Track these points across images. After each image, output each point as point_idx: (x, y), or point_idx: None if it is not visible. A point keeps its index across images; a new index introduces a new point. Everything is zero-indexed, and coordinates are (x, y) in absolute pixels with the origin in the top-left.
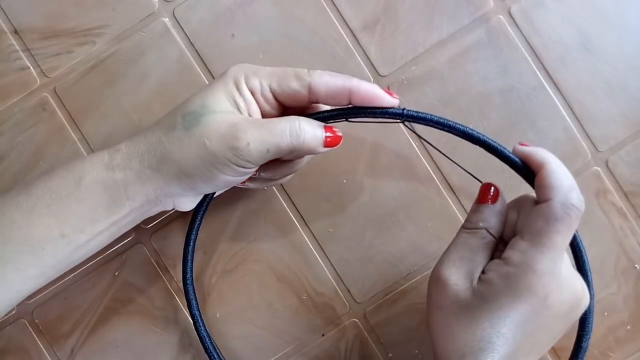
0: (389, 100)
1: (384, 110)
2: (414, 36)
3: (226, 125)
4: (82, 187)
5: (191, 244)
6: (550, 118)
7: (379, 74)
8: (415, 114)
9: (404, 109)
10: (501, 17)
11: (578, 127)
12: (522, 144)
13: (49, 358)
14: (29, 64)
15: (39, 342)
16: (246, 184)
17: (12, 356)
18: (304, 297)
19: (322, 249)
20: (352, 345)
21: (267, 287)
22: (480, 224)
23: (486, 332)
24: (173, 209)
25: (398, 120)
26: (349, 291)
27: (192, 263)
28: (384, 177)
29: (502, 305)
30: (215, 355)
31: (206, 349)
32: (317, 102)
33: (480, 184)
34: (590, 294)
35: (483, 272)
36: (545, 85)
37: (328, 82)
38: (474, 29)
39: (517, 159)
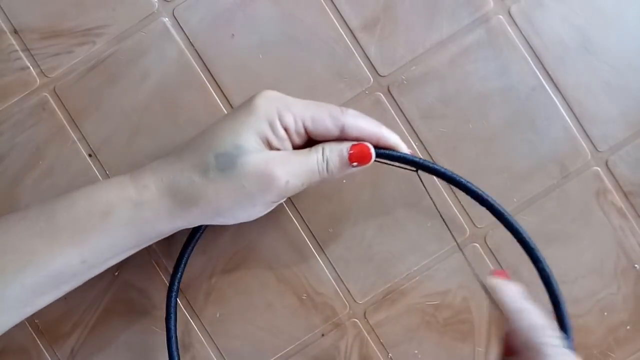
0: (406, 151)
1: (406, 157)
2: (414, 36)
3: (263, 166)
4: (108, 223)
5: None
6: (550, 118)
7: (378, 74)
8: (430, 166)
9: (421, 159)
10: (501, 17)
11: (578, 127)
12: (496, 273)
13: (49, 358)
14: (29, 64)
15: (39, 342)
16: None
17: (12, 356)
18: (304, 297)
19: (322, 249)
20: (352, 345)
21: (267, 287)
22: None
23: None
24: None
25: (414, 169)
26: (349, 291)
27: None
28: (384, 177)
29: None
30: None
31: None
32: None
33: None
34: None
35: None
36: (545, 85)
37: (361, 127)
38: (474, 29)
39: (522, 231)
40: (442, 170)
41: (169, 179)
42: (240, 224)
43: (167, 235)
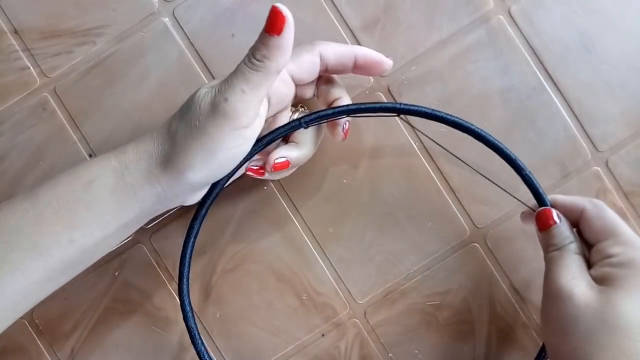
0: (387, 61)
1: (382, 105)
2: (414, 36)
3: (209, 100)
4: (91, 193)
5: (190, 244)
6: (550, 118)
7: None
8: (410, 107)
9: (400, 104)
10: (501, 17)
11: (578, 127)
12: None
13: (49, 358)
14: (29, 64)
15: (39, 342)
16: (265, 175)
17: (12, 356)
18: (304, 297)
19: (322, 249)
20: (352, 345)
21: (267, 287)
22: (565, 240)
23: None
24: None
25: (394, 115)
26: (349, 291)
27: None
28: (384, 177)
29: (634, 286)
30: None
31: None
32: (326, 72)
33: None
34: None
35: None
36: (545, 85)
37: (335, 49)
38: (474, 29)
39: (507, 150)
40: (423, 109)
41: (145, 142)
42: (241, 223)
43: (152, 212)
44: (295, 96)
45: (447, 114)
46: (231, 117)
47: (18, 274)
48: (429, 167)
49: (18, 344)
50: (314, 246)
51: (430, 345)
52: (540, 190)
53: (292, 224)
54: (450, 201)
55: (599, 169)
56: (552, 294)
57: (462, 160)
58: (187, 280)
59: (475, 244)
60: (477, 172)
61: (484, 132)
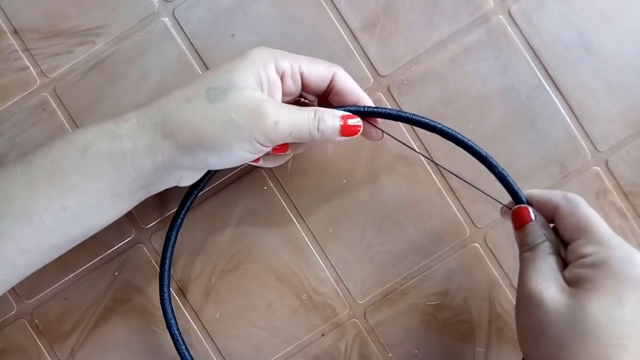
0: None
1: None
2: (414, 36)
3: (254, 102)
4: (86, 158)
5: (169, 248)
6: (550, 118)
7: (379, 74)
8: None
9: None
10: (501, 17)
11: (578, 127)
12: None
13: (49, 358)
14: (29, 64)
15: (39, 342)
16: (260, 162)
17: (12, 356)
18: (304, 297)
19: (322, 249)
20: (352, 345)
21: (267, 287)
22: (538, 239)
23: (603, 320)
24: (175, 185)
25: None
26: (349, 291)
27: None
28: (384, 178)
29: (608, 290)
30: None
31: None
32: (329, 95)
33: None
34: None
35: (566, 278)
36: (545, 85)
37: (347, 81)
38: (474, 29)
39: (478, 148)
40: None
41: (153, 110)
42: (241, 223)
43: (147, 185)
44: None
45: (411, 114)
46: (272, 135)
47: (7, 242)
48: (429, 167)
49: (18, 344)
50: (314, 246)
51: (430, 345)
52: (515, 187)
53: (292, 224)
54: (450, 201)
55: (599, 169)
56: (523, 298)
57: (442, 167)
58: (169, 289)
59: (475, 244)
60: (455, 175)
61: (452, 130)
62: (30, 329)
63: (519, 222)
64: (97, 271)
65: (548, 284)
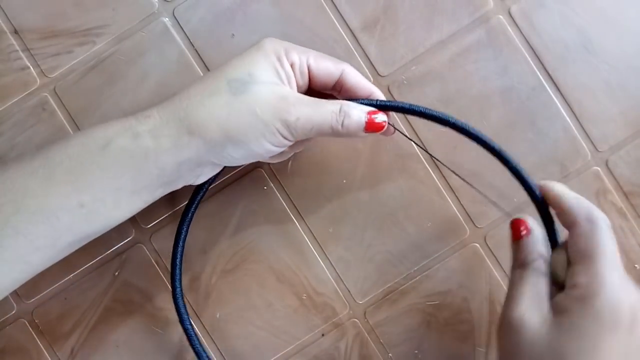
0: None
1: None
2: (414, 36)
3: (277, 97)
4: (106, 154)
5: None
6: (550, 118)
7: (379, 74)
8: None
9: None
10: (501, 17)
11: (578, 127)
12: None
13: (49, 358)
14: (29, 64)
15: (39, 342)
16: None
17: (12, 356)
18: (304, 297)
19: (322, 249)
20: (352, 345)
21: (267, 287)
22: (530, 257)
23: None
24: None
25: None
26: (349, 291)
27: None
28: (384, 177)
29: (586, 332)
30: None
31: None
32: (338, 92)
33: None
34: None
35: (553, 305)
36: (545, 85)
37: (357, 77)
38: (474, 29)
39: (486, 138)
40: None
41: (175, 106)
42: (241, 223)
43: (166, 183)
44: None
45: (430, 110)
46: (295, 129)
47: (21, 239)
48: (429, 167)
49: (18, 344)
50: (314, 246)
51: (430, 345)
52: (531, 183)
53: (292, 224)
54: (450, 201)
55: (599, 169)
56: (505, 320)
57: (450, 168)
58: (180, 283)
59: (475, 244)
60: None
61: (466, 125)
62: (30, 329)
63: (515, 235)
64: (97, 271)
65: (531, 313)
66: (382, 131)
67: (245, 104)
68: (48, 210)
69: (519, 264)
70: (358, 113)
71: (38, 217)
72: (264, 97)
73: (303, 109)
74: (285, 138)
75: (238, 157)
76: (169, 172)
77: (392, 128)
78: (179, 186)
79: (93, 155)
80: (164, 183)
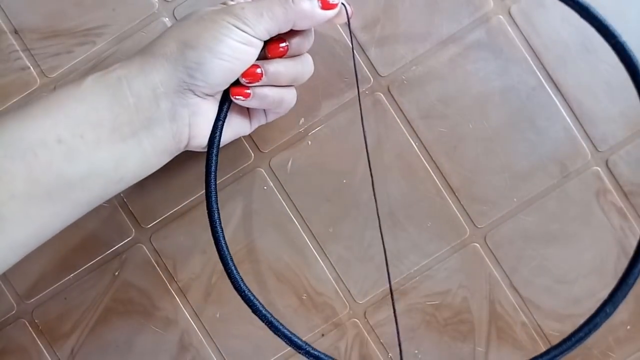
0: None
1: None
2: (414, 36)
3: (221, 5)
4: (82, 87)
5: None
6: (550, 118)
7: (379, 74)
8: None
9: None
10: (501, 17)
11: (578, 127)
12: None
13: (49, 358)
14: (29, 64)
15: (39, 342)
16: (251, 100)
17: (12, 356)
18: (304, 297)
19: (322, 249)
20: (352, 345)
21: (267, 287)
22: None
23: None
24: (188, 142)
25: None
26: (349, 291)
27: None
28: (384, 177)
29: None
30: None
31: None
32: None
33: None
34: None
35: None
36: (545, 85)
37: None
38: (474, 29)
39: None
40: None
41: (139, 53)
42: (241, 223)
43: (153, 124)
44: None
45: None
46: (245, 17)
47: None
48: (429, 167)
49: (18, 344)
50: (314, 246)
51: (430, 345)
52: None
53: (292, 224)
54: (450, 201)
55: (599, 169)
56: None
57: None
58: (217, 203)
59: (475, 244)
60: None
61: None
62: (30, 329)
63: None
64: (97, 271)
65: None
66: (335, 11)
67: (194, 16)
68: (24, 144)
69: None
70: None
71: (12, 151)
72: (209, 8)
73: (246, 2)
74: (243, 31)
75: (210, 63)
76: (146, 101)
77: (345, 10)
78: (166, 134)
79: (69, 90)
80: (145, 120)
